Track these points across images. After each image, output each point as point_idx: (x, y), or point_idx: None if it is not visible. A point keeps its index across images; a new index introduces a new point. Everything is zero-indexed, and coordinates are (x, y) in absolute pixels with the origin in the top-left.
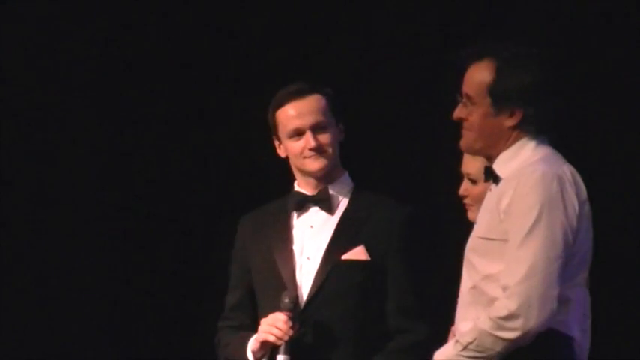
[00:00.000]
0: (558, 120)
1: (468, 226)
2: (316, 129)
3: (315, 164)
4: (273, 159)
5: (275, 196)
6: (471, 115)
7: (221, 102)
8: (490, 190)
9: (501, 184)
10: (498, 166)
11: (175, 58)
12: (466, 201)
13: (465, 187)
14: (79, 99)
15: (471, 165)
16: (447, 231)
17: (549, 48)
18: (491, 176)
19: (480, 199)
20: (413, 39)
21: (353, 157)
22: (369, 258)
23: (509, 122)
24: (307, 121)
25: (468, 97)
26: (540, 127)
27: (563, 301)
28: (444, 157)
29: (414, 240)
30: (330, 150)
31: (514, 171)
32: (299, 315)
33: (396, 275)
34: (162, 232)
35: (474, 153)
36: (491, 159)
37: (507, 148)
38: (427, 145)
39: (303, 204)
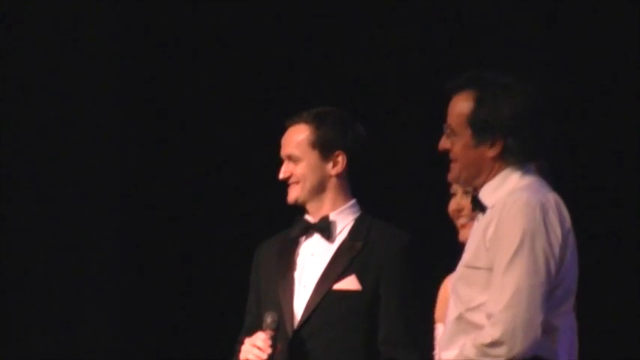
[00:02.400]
0: (545, 148)
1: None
2: (289, 160)
3: (289, 195)
4: None
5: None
6: (454, 146)
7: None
8: (477, 219)
9: (487, 212)
10: (484, 196)
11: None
12: (462, 214)
13: (457, 202)
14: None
15: None
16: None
17: (536, 77)
18: (478, 206)
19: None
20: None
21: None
22: (360, 288)
23: (491, 153)
24: (283, 151)
25: (451, 128)
26: (524, 156)
27: (549, 329)
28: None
29: (408, 270)
30: (302, 182)
31: (500, 199)
32: (290, 337)
33: (387, 305)
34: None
35: (462, 184)
36: (477, 189)
37: (493, 177)
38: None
39: (306, 231)
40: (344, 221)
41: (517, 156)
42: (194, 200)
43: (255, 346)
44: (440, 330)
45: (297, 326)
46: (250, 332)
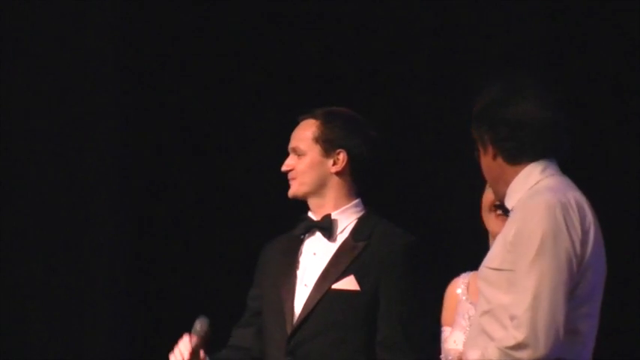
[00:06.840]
0: (550, 142)
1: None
2: (294, 153)
3: (290, 189)
4: None
5: None
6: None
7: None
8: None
9: (511, 214)
10: (508, 198)
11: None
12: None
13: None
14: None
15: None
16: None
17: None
18: (503, 209)
19: None
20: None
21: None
22: (358, 288)
23: (490, 155)
24: (290, 143)
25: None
26: (519, 153)
27: (573, 331)
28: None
29: (409, 270)
30: (302, 177)
31: (520, 200)
32: (288, 336)
33: (387, 306)
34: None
35: (500, 196)
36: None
37: (513, 179)
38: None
39: (309, 229)
40: (346, 220)
41: (513, 152)
42: (196, 201)
43: (179, 350)
44: (447, 333)
45: (296, 325)
46: (242, 329)
